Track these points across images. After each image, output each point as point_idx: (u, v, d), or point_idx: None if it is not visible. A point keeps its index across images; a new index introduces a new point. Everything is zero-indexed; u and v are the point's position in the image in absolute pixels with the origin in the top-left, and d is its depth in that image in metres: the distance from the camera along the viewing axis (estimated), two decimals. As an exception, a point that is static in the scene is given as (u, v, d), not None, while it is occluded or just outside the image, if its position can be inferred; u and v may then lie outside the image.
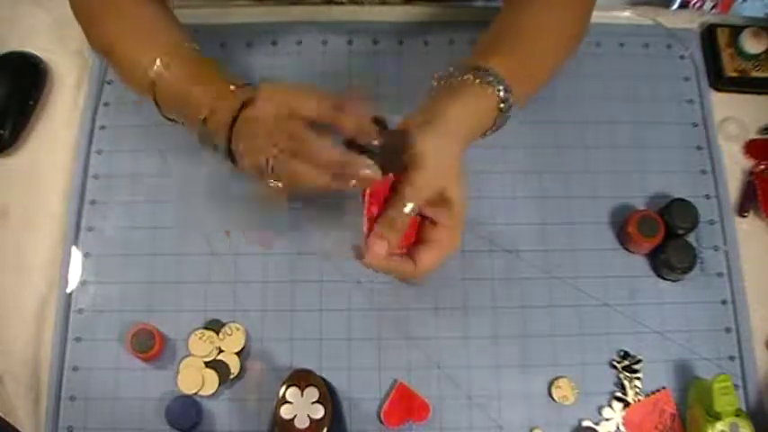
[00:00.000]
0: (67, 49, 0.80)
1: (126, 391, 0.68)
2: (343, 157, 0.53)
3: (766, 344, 0.71)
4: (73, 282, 0.72)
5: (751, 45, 0.79)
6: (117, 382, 0.69)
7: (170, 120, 0.65)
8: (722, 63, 0.80)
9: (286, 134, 0.54)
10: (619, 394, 0.69)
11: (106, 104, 0.78)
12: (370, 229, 0.55)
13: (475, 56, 0.62)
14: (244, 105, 0.57)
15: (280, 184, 0.56)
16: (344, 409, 0.67)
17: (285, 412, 0.61)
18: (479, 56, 0.62)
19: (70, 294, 0.71)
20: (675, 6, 1.22)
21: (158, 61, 0.61)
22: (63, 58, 0.80)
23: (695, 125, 0.79)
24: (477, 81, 0.58)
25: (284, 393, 0.62)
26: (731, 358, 0.70)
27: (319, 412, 0.61)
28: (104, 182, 0.75)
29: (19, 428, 0.66)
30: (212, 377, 0.68)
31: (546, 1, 0.65)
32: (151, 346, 0.67)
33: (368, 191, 0.55)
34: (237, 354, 0.69)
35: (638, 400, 0.69)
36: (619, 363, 0.70)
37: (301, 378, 0.63)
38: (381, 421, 0.68)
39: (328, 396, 0.62)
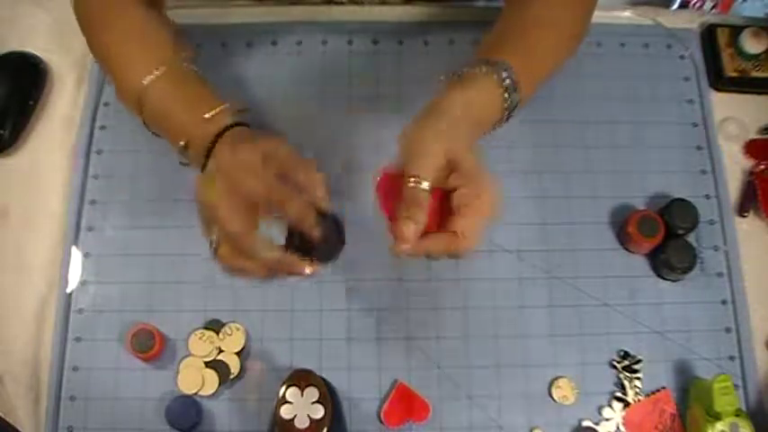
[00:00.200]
0: (67, 49, 0.80)
1: (126, 391, 0.68)
2: (279, 257, 0.55)
3: (766, 344, 0.71)
4: (73, 282, 0.72)
5: (751, 45, 0.79)
6: (117, 382, 0.69)
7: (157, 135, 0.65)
8: (722, 63, 0.80)
9: (227, 230, 0.55)
10: (619, 394, 0.69)
11: (106, 104, 0.78)
12: (393, 220, 0.55)
13: (479, 55, 0.62)
14: (217, 137, 0.58)
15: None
16: (344, 409, 0.67)
17: (285, 412, 0.61)
18: (484, 54, 0.62)
19: (70, 294, 0.71)
20: (675, 6, 1.22)
21: (146, 79, 0.61)
22: (63, 58, 0.80)
23: (695, 125, 0.79)
24: (485, 70, 0.59)
25: (284, 393, 0.62)
26: (731, 358, 0.71)
27: (319, 412, 0.61)
28: (104, 182, 0.75)
29: (19, 428, 0.66)
30: (212, 377, 0.68)
31: (546, 0, 0.65)
32: (151, 346, 0.67)
33: (375, 188, 0.55)
34: (237, 354, 0.69)
35: (638, 400, 0.69)
36: (619, 363, 0.70)
37: (301, 378, 0.63)
38: (381, 421, 0.68)
39: (328, 396, 0.62)
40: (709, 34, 0.82)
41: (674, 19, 0.84)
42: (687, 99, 0.80)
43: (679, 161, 0.77)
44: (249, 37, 0.81)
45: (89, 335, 0.70)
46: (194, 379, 0.68)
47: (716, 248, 0.74)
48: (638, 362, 0.70)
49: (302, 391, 0.62)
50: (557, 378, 0.69)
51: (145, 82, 0.61)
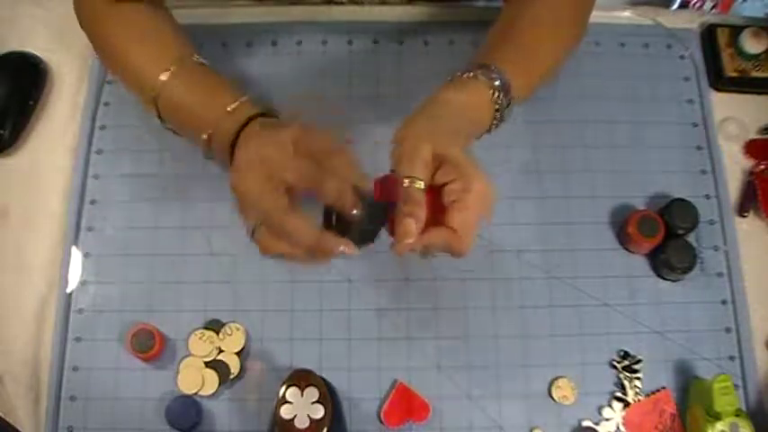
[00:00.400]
0: (67, 49, 0.80)
1: (126, 391, 0.68)
2: (317, 238, 0.54)
3: (766, 344, 0.71)
4: (73, 282, 0.72)
5: (751, 45, 0.79)
6: (117, 382, 0.69)
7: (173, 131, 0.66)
8: (722, 63, 0.80)
9: (261, 211, 0.54)
10: (619, 394, 0.69)
11: (106, 104, 0.78)
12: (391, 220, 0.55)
13: (478, 56, 0.63)
14: (241, 129, 0.58)
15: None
16: (344, 409, 0.67)
17: (285, 412, 0.61)
18: (483, 55, 0.63)
19: (70, 294, 0.71)
20: (675, 6, 1.22)
21: (162, 76, 0.62)
22: (63, 58, 0.80)
23: (695, 125, 0.79)
24: (472, 74, 0.59)
25: (284, 393, 0.62)
26: (731, 358, 0.71)
27: (319, 412, 0.61)
28: (104, 182, 0.75)
29: (19, 428, 0.66)
30: (212, 377, 0.68)
31: (545, 0, 0.66)
32: (151, 346, 0.67)
33: (374, 188, 0.55)
34: (237, 354, 0.69)
35: (638, 400, 0.69)
36: (619, 363, 0.70)
37: (301, 378, 0.63)
38: (381, 421, 0.68)
39: (328, 396, 0.62)
40: (709, 34, 0.82)
41: (674, 19, 0.84)
42: (687, 99, 0.80)
43: (679, 161, 0.77)
44: (249, 37, 0.81)
45: (89, 335, 0.70)
46: (194, 379, 0.68)
47: (716, 248, 0.74)
48: (638, 362, 0.70)
49: (302, 391, 0.62)
50: (557, 378, 0.69)
51: (162, 78, 0.61)
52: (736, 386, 0.68)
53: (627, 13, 0.84)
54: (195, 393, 0.68)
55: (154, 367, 0.69)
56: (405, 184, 0.53)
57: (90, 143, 0.76)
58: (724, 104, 0.80)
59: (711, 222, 0.75)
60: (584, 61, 0.79)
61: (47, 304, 0.71)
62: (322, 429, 0.61)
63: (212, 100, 0.61)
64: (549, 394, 0.69)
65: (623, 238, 0.74)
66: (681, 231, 0.72)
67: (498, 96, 0.60)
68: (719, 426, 0.63)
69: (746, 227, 0.75)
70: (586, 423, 0.68)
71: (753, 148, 0.78)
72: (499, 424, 0.68)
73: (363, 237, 0.55)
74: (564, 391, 0.69)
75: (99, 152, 0.76)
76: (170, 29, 0.67)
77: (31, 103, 0.77)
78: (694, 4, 1.24)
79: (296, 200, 0.55)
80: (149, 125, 0.75)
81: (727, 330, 0.71)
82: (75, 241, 0.73)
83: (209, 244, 0.73)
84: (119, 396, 0.68)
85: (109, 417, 0.68)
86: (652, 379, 0.69)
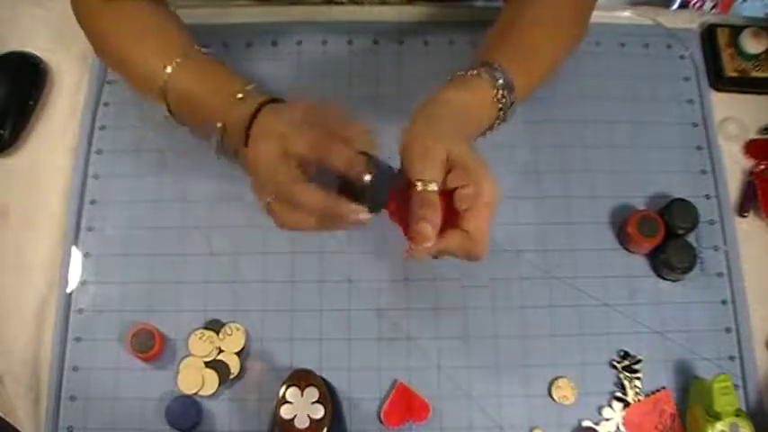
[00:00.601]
0: (67, 49, 0.80)
1: (126, 391, 0.68)
2: (331, 203, 0.53)
3: (766, 344, 0.71)
4: (73, 282, 0.72)
5: (751, 45, 0.79)
6: (117, 382, 0.69)
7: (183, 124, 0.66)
8: (722, 63, 0.80)
9: (274, 183, 0.54)
10: (619, 394, 0.69)
11: (106, 104, 0.78)
12: (401, 224, 0.55)
13: (479, 55, 0.63)
14: (254, 116, 0.58)
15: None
16: (344, 409, 0.67)
17: (285, 412, 0.61)
18: (483, 54, 0.62)
19: (70, 294, 0.71)
20: (675, 6, 1.22)
21: (168, 68, 0.61)
22: (63, 58, 0.80)
23: (695, 125, 0.79)
24: (475, 72, 0.59)
25: (284, 393, 0.62)
26: (731, 358, 0.71)
27: (319, 412, 0.61)
28: (104, 182, 0.75)
29: (19, 428, 0.66)
30: (212, 377, 0.68)
31: (546, 1, 0.66)
32: (151, 346, 0.67)
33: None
34: (237, 354, 0.69)
35: (638, 400, 0.69)
36: (619, 363, 0.70)
37: (301, 378, 0.63)
38: (381, 421, 0.68)
39: (328, 396, 0.62)
40: (709, 34, 0.82)
41: (674, 19, 0.84)
42: (687, 99, 0.80)
43: (679, 161, 0.77)
44: (249, 37, 0.81)
45: (89, 335, 0.70)
46: (194, 379, 0.68)
47: (716, 248, 0.74)
48: (638, 362, 0.70)
49: (302, 391, 0.62)
50: (557, 378, 0.69)
51: (168, 70, 0.61)
52: (736, 386, 0.68)
53: (627, 13, 0.84)
54: (195, 393, 0.68)
55: (154, 367, 0.69)
56: (418, 187, 0.53)
57: (90, 143, 0.76)
58: (724, 104, 0.80)
59: (711, 222, 0.75)
60: (584, 61, 0.79)
61: (47, 304, 0.71)
62: (322, 429, 0.61)
63: (222, 88, 0.61)
64: (549, 394, 0.69)
65: (623, 238, 0.74)
66: (681, 231, 0.72)
67: (502, 95, 0.59)
68: (719, 426, 0.63)
69: (746, 227, 0.75)
70: (586, 423, 0.68)
71: (753, 148, 0.78)
72: (499, 424, 0.68)
73: (376, 203, 0.54)
74: (564, 391, 0.69)
75: (99, 152, 0.76)
76: (172, 24, 0.67)
77: (31, 103, 0.77)
78: (694, 4, 1.24)
79: (309, 173, 0.55)
80: (149, 125, 0.75)
81: (727, 330, 0.71)
82: (75, 241, 0.73)
83: (209, 244, 0.73)
84: (119, 396, 0.68)
85: (109, 417, 0.68)
86: (652, 379, 0.69)
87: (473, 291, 0.72)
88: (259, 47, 0.80)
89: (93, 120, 0.77)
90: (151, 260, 0.72)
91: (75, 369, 0.69)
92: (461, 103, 0.58)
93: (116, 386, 0.69)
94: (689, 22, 0.84)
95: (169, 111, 0.64)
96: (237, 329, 0.69)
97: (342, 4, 0.82)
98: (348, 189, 0.54)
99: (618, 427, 0.68)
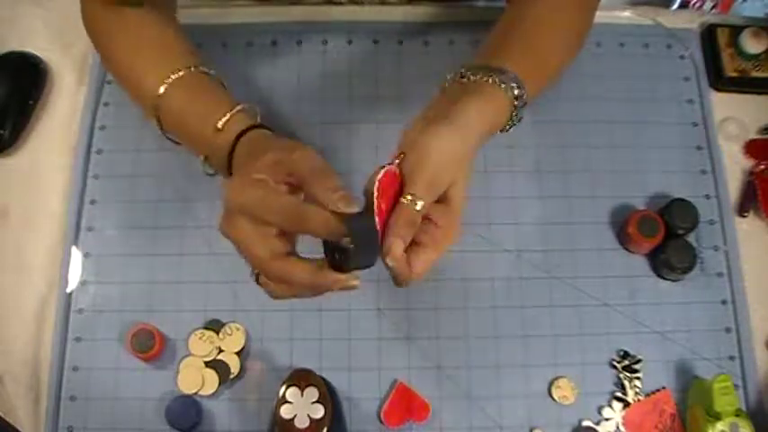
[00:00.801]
0: (67, 49, 0.80)
1: (126, 391, 0.68)
2: (315, 277, 0.52)
3: (766, 344, 0.71)
4: (73, 282, 0.72)
5: (751, 45, 0.79)
6: (117, 382, 0.69)
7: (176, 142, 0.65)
8: (722, 63, 0.80)
9: (254, 259, 0.53)
10: (619, 394, 0.69)
11: (106, 104, 0.78)
12: (383, 226, 0.54)
13: (483, 56, 0.62)
14: (233, 145, 0.57)
15: None
16: (344, 409, 0.67)
17: (285, 412, 0.61)
18: (489, 56, 0.61)
19: (70, 294, 0.71)
20: (675, 6, 1.22)
21: (161, 88, 0.61)
22: (63, 58, 0.80)
23: (695, 125, 0.79)
24: (491, 80, 0.58)
25: (284, 393, 0.62)
26: (731, 358, 0.71)
27: (319, 412, 0.61)
28: (104, 182, 0.75)
29: (19, 428, 0.66)
30: (212, 377, 0.68)
31: (551, 2, 0.65)
32: (151, 346, 0.67)
33: (376, 186, 0.54)
34: (237, 354, 0.69)
35: (638, 400, 0.69)
36: (619, 363, 0.70)
37: (301, 378, 0.63)
38: (381, 421, 0.68)
39: (328, 396, 0.62)
40: (709, 34, 0.82)
41: (674, 19, 0.84)
42: (687, 99, 0.80)
43: (679, 161, 0.77)
44: (249, 37, 0.81)
45: (89, 335, 0.70)
46: (194, 379, 0.68)
47: (716, 248, 0.74)
48: (638, 362, 0.70)
49: (302, 391, 0.62)
50: (557, 378, 0.69)
51: (161, 90, 0.61)
52: (736, 386, 0.68)
53: (627, 13, 0.84)
54: (195, 393, 0.68)
55: (154, 367, 0.69)
56: (408, 199, 0.52)
57: (90, 143, 0.76)
58: (724, 104, 0.80)
59: (711, 222, 0.75)
60: (584, 61, 0.79)
61: (47, 304, 0.71)
62: (322, 429, 0.61)
63: (209, 114, 0.60)
64: (549, 394, 0.69)
65: (623, 238, 0.74)
66: (681, 231, 0.72)
67: (516, 100, 0.58)
68: (719, 426, 0.63)
69: (746, 227, 0.75)
70: (586, 423, 0.68)
71: (753, 148, 0.78)
72: (499, 424, 0.68)
73: (364, 259, 0.53)
74: (564, 391, 0.69)
75: (99, 152, 0.76)
76: (172, 37, 0.65)
77: (31, 103, 0.77)
78: (694, 4, 1.24)
79: (292, 237, 0.54)
80: (149, 125, 0.75)
81: (727, 330, 0.71)
82: (75, 241, 0.73)
83: (209, 244, 0.73)
84: (119, 396, 0.68)
85: (109, 417, 0.68)
86: (652, 379, 0.69)
87: (473, 291, 0.72)
88: (259, 47, 0.80)
89: (93, 120, 0.77)
90: (151, 260, 0.72)
91: (75, 369, 0.69)
92: (480, 112, 0.57)
93: (116, 386, 0.69)
94: (689, 22, 0.84)
95: (161, 128, 0.64)
96: (237, 329, 0.69)
97: (342, 4, 0.82)
98: (334, 247, 0.53)
99: (618, 427, 0.68)
